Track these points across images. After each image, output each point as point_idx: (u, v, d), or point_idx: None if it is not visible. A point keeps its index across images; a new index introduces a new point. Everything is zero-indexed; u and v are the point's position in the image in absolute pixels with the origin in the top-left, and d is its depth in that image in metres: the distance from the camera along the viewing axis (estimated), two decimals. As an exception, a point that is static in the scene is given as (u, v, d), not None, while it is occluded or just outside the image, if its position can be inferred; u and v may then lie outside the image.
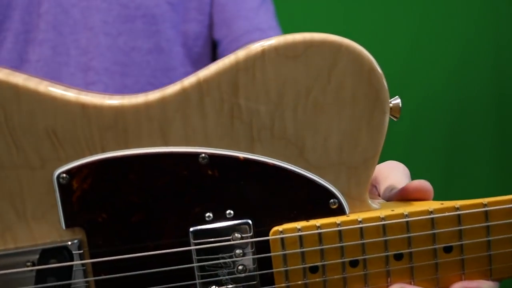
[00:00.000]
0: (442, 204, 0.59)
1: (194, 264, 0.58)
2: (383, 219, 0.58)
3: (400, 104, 0.60)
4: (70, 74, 0.96)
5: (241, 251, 0.58)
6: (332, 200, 0.58)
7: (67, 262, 0.57)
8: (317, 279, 0.58)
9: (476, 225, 0.58)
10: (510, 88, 1.62)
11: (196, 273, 0.58)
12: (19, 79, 0.55)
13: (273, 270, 0.58)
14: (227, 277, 0.58)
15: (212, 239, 0.58)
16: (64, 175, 0.56)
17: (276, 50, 0.56)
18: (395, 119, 0.61)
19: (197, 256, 0.58)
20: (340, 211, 0.59)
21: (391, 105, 0.59)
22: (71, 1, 0.98)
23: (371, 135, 0.58)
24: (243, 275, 0.58)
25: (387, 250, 0.58)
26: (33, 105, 0.55)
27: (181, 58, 1.03)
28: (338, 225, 0.58)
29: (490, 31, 1.63)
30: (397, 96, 0.60)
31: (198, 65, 1.08)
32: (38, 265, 0.57)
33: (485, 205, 0.58)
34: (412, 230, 0.58)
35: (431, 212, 0.58)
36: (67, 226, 0.57)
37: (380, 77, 0.57)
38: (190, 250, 0.58)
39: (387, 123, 0.58)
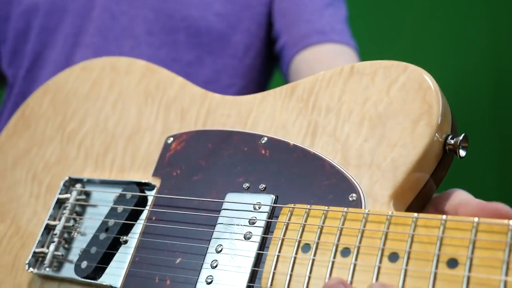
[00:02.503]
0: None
1: (216, 216, 0.62)
2: (390, 214, 0.53)
3: (462, 143, 0.58)
4: None
5: (256, 217, 0.60)
6: (351, 194, 0.57)
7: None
8: (306, 257, 0.55)
9: (492, 239, 0.48)
10: (510, 88, 1.46)
11: (216, 228, 0.62)
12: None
13: (271, 236, 0.58)
14: (234, 239, 0.60)
15: (239, 203, 0.62)
16: (171, 138, 0.71)
17: (352, 68, 0.64)
18: (458, 157, 0.58)
19: (222, 215, 0.62)
20: (356, 204, 0.56)
21: (452, 141, 0.58)
22: (121, 9, 1.00)
23: (410, 144, 0.57)
24: (247, 240, 0.59)
25: (383, 246, 0.52)
26: (178, 91, 0.75)
27: (229, 69, 0.99)
28: (344, 211, 0.55)
29: (490, 31, 1.50)
30: (464, 133, 0.59)
31: (247, 76, 1.00)
32: (121, 193, 0.70)
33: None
34: (417, 230, 0.51)
35: (443, 218, 0.51)
36: (153, 174, 0.70)
37: (435, 94, 0.58)
38: (219, 208, 0.63)
39: (430, 136, 0.57)
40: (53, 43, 1.00)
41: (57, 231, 0.71)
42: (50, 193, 0.77)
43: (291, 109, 0.66)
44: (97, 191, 0.73)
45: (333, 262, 0.53)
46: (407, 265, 0.50)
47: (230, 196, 0.63)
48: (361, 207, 0.56)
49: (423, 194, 0.58)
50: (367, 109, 0.61)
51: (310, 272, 0.54)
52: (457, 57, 1.54)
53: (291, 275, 0.55)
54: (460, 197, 0.56)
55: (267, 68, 1.07)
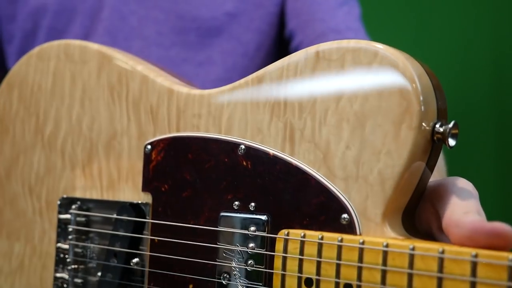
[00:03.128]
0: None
1: (212, 245, 0.61)
2: (386, 246, 0.50)
3: (452, 130, 0.52)
4: None
5: (253, 245, 0.58)
6: (343, 216, 0.54)
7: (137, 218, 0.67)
8: (309, 295, 0.54)
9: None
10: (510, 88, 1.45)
11: (217, 255, 0.61)
12: (140, 65, 0.70)
13: (273, 271, 0.56)
14: (237, 266, 0.59)
15: (233, 228, 0.60)
16: (149, 146, 0.67)
17: (317, 53, 0.56)
18: (448, 147, 0.53)
19: (221, 239, 0.61)
20: (350, 229, 0.53)
21: (441, 129, 0.52)
22: (130, 9, 0.99)
23: (395, 152, 0.52)
24: (250, 270, 0.58)
25: (385, 283, 0.50)
26: (144, 86, 0.69)
27: (240, 69, 0.98)
28: (338, 242, 0.53)
29: (490, 31, 1.45)
30: (453, 121, 0.53)
31: None
32: (117, 215, 0.68)
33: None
34: (416, 266, 0.49)
35: (442, 252, 0.48)
36: (143, 190, 0.68)
37: (414, 87, 0.51)
38: (216, 233, 0.61)
39: (415, 140, 0.51)
40: None
41: (70, 258, 0.72)
42: (51, 210, 0.76)
43: (262, 107, 0.60)
44: (94, 213, 0.71)
45: (338, 301, 0.52)
46: (410, 306, 0.49)
47: (224, 219, 0.61)
48: (354, 230, 0.53)
49: (419, 187, 0.54)
50: (342, 107, 0.55)
51: (317, 309, 0.54)
52: (456, 56, 1.51)
53: (299, 312, 0.55)
54: (456, 206, 0.51)
55: None
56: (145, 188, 0.67)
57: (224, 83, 0.64)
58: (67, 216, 0.73)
